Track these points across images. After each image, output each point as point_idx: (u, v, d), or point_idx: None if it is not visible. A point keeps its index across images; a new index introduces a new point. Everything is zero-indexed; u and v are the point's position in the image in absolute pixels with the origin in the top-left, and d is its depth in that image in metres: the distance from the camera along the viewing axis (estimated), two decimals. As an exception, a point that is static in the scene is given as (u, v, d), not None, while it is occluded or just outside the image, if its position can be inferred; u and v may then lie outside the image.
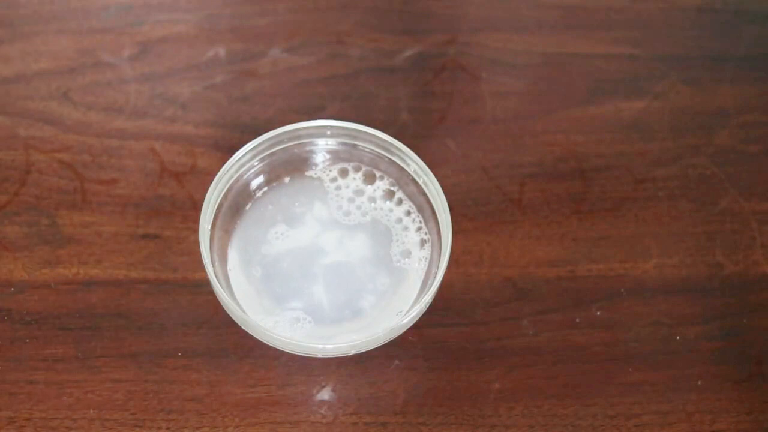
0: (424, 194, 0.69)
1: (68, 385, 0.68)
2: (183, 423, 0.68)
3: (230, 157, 0.68)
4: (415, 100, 0.81)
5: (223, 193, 0.69)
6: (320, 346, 0.64)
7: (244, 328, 0.65)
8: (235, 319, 0.65)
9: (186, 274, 0.72)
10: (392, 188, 0.72)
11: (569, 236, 0.75)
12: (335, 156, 0.72)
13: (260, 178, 0.71)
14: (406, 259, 0.70)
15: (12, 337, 0.70)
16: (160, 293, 0.71)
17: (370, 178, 0.72)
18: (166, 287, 0.72)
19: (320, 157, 0.72)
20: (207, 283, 0.65)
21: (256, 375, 0.69)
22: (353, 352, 0.65)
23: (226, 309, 0.65)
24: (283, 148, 0.71)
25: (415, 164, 0.69)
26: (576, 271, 0.74)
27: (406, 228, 0.71)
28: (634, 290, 0.73)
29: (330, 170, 0.72)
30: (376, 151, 0.71)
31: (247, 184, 0.71)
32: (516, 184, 0.77)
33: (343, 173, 0.72)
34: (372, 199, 0.71)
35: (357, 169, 0.72)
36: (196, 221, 0.67)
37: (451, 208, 0.67)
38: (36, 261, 0.72)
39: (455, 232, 0.67)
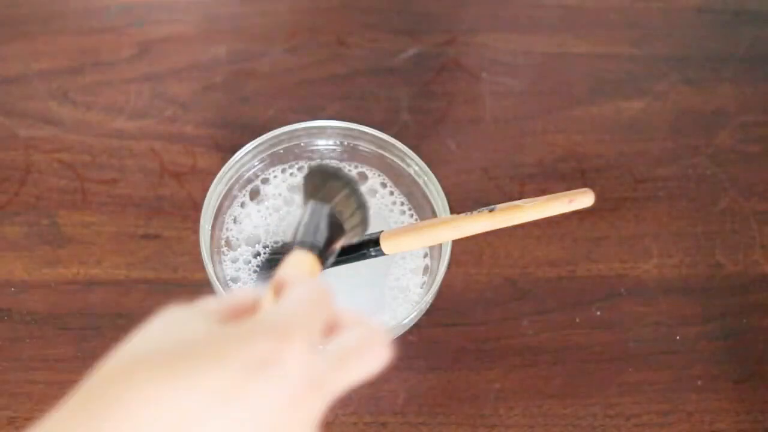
0: (425, 194, 0.69)
1: (68, 385, 0.68)
2: (183, 423, 0.67)
3: (230, 157, 0.68)
4: (415, 100, 0.81)
5: (223, 193, 0.69)
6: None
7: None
8: (235, 319, 0.65)
9: (186, 274, 0.72)
10: (391, 188, 0.72)
11: (569, 236, 0.75)
12: (335, 156, 0.72)
13: (260, 178, 0.71)
14: (407, 260, 0.70)
15: (12, 337, 0.70)
16: (160, 293, 0.71)
17: (367, 178, 0.72)
18: (166, 287, 0.72)
19: (320, 157, 0.72)
20: (207, 283, 0.65)
21: (256, 375, 0.69)
22: (353, 352, 0.65)
23: (226, 309, 0.65)
24: (283, 148, 0.71)
25: (415, 164, 0.69)
26: (576, 271, 0.74)
27: (406, 228, 0.71)
28: (634, 290, 0.73)
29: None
30: (377, 152, 0.71)
31: (247, 184, 0.71)
32: (516, 184, 0.77)
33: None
34: (371, 198, 0.71)
35: (356, 169, 0.72)
36: (196, 221, 0.67)
37: (451, 208, 0.67)
38: (36, 261, 0.72)
39: (455, 232, 0.67)
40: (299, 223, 0.49)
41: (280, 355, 0.37)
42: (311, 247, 0.47)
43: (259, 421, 0.36)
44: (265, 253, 0.68)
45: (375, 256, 0.63)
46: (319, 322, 0.40)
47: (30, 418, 0.67)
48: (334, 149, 0.72)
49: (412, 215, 0.71)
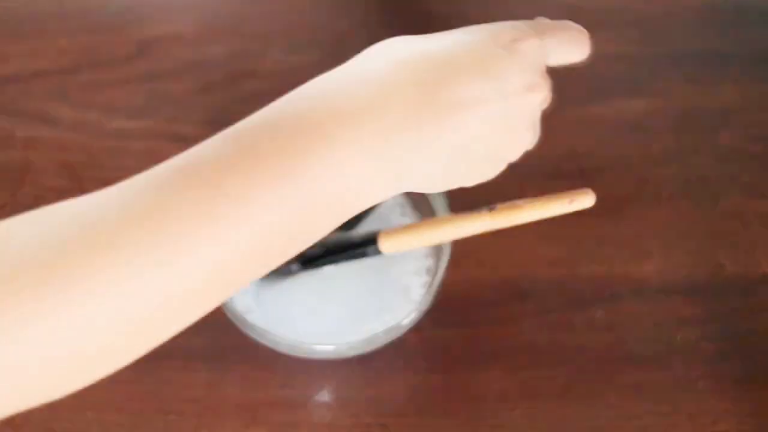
0: (425, 194, 0.69)
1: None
2: (181, 424, 0.67)
3: (229, 156, 0.68)
4: (415, 100, 0.81)
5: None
6: (320, 346, 0.64)
7: (243, 328, 0.65)
8: (234, 320, 0.65)
9: (185, 274, 0.72)
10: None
11: (570, 236, 0.75)
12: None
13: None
14: (407, 260, 0.69)
15: (10, 338, 0.69)
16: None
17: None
18: (165, 287, 0.71)
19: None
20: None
21: (255, 375, 0.69)
22: (353, 352, 0.65)
23: (225, 309, 0.65)
24: (283, 148, 0.71)
25: (414, 164, 0.69)
26: (576, 272, 0.74)
27: (405, 228, 0.70)
28: (635, 291, 0.73)
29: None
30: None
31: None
32: (516, 184, 0.77)
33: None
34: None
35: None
36: (195, 221, 0.67)
37: (451, 208, 0.67)
38: (35, 261, 0.72)
39: (455, 232, 0.67)
40: None
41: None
42: None
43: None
44: None
45: (374, 255, 0.63)
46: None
47: (28, 419, 0.67)
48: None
49: (412, 215, 0.71)
